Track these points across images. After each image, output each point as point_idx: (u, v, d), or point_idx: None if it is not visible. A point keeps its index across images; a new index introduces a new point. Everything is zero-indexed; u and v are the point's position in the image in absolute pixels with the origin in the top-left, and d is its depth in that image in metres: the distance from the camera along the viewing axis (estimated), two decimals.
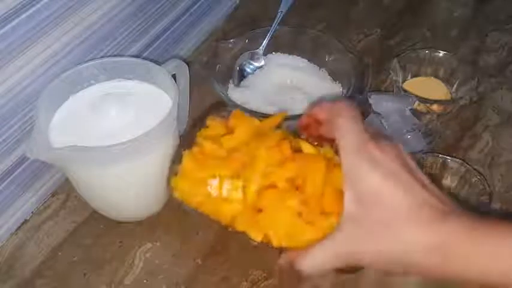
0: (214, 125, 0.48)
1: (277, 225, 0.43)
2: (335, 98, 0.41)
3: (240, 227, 0.44)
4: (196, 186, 0.45)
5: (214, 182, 0.44)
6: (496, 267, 0.35)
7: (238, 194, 0.44)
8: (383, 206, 0.36)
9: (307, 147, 0.46)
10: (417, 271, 0.37)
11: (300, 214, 0.43)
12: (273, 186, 0.44)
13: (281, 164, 0.44)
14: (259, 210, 0.44)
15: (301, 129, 0.45)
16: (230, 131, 0.47)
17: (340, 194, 0.42)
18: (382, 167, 0.37)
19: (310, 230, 0.43)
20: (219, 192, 0.44)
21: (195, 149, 0.47)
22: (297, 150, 0.46)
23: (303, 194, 0.43)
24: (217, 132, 0.48)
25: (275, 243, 0.43)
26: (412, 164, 0.39)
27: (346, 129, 0.39)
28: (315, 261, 0.40)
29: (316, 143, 0.46)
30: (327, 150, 0.47)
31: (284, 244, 0.43)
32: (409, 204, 0.36)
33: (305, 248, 0.41)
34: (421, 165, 0.56)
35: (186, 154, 0.46)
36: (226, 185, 0.44)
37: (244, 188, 0.44)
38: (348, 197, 0.38)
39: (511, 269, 0.34)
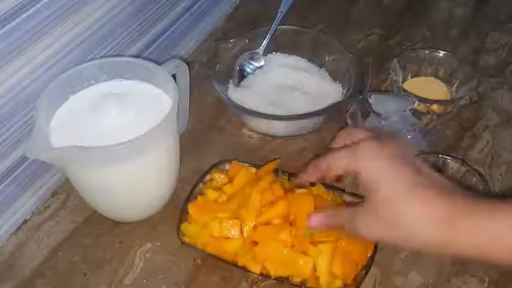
0: (217, 177, 0.58)
1: (273, 256, 0.50)
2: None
3: (240, 261, 0.51)
4: (201, 230, 0.53)
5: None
6: (495, 244, 0.37)
7: (237, 232, 0.52)
8: (384, 188, 0.40)
9: (295, 190, 0.54)
10: (421, 245, 0.39)
11: (292, 246, 0.50)
12: (268, 223, 0.52)
13: (273, 203, 0.52)
14: (255, 243, 0.51)
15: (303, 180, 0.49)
16: (231, 180, 0.57)
17: None
18: (382, 158, 0.41)
19: (303, 259, 0.50)
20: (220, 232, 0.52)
21: (199, 198, 0.56)
22: (289, 190, 0.54)
23: (295, 228, 0.51)
24: (222, 183, 0.57)
25: (272, 273, 0.51)
26: (411, 155, 0.43)
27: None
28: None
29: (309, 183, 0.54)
30: (319, 188, 0.55)
31: (280, 273, 0.51)
32: (403, 186, 0.39)
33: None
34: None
35: (192, 204, 0.55)
36: (226, 225, 0.52)
37: (241, 226, 0.52)
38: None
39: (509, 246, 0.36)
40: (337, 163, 0.44)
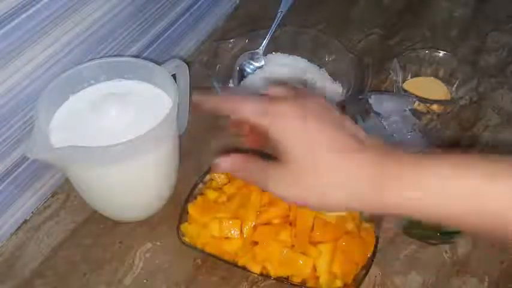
0: (217, 177, 0.58)
1: (273, 256, 0.50)
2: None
3: (240, 261, 0.51)
4: (201, 230, 0.53)
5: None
6: (405, 199, 0.35)
7: (237, 232, 0.52)
8: (304, 156, 0.37)
9: None
10: (348, 206, 0.38)
11: (292, 246, 0.50)
12: (268, 223, 0.52)
13: (273, 203, 0.53)
14: (256, 243, 0.51)
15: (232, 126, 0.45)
16: (231, 180, 0.57)
17: (328, 225, 0.51)
18: (298, 118, 0.38)
19: (303, 259, 0.50)
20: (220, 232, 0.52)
21: (199, 198, 0.55)
22: None
23: (295, 228, 0.51)
24: (222, 183, 0.57)
25: (272, 273, 0.51)
26: (332, 111, 0.39)
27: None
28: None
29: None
30: None
31: (281, 273, 0.50)
32: (325, 151, 0.37)
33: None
34: None
35: (191, 204, 0.55)
36: (226, 225, 0.52)
37: (241, 226, 0.52)
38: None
39: (416, 198, 0.35)
40: (246, 107, 0.39)
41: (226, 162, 0.41)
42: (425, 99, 0.67)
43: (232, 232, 0.52)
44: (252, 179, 0.41)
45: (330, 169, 0.36)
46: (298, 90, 0.42)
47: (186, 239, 0.53)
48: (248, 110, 0.39)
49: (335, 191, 0.37)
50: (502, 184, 0.33)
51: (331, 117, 0.39)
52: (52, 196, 0.61)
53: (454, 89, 0.72)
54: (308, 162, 0.37)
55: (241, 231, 0.52)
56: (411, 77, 0.74)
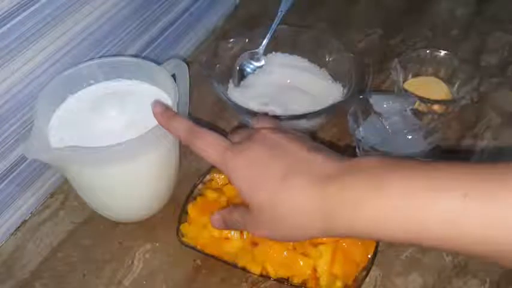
0: (217, 177, 0.57)
1: (273, 257, 0.50)
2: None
3: (240, 262, 0.51)
4: (201, 230, 0.53)
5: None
6: (378, 227, 0.36)
7: (237, 233, 0.51)
8: (252, 197, 0.41)
9: None
10: (311, 237, 0.42)
11: (294, 247, 0.50)
12: None
13: None
14: (256, 244, 0.51)
15: None
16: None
17: None
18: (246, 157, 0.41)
19: (303, 259, 0.50)
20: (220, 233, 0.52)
21: (199, 199, 0.55)
22: None
23: None
24: (222, 183, 0.57)
25: (272, 274, 0.51)
26: (282, 137, 0.42)
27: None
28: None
29: None
30: None
31: (281, 274, 0.50)
32: (274, 175, 0.39)
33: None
34: None
35: (191, 204, 0.55)
36: None
37: None
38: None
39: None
40: (207, 148, 0.44)
41: (216, 224, 0.48)
42: (426, 99, 0.67)
43: (232, 233, 0.52)
44: (237, 229, 0.48)
45: (271, 207, 0.39)
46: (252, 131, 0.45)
47: (186, 240, 0.53)
48: (210, 156, 0.44)
49: (287, 226, 0.40)
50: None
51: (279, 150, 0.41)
52: (51, 196, 0.61)
53: (455, 89, 0.72)
54: (253, 202, 0.40)
55: (241, 231, 0.52)
56: (412, 77, 0.74)
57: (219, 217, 0.48)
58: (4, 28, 0.48)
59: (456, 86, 0.72)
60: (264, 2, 0.84)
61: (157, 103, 0.48)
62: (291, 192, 0.38)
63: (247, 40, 0.72)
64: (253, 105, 0.66)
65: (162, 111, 0.47)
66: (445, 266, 0.54)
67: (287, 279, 0.50)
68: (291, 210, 0.38)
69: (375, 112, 0.64)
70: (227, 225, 0.48)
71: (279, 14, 0.72)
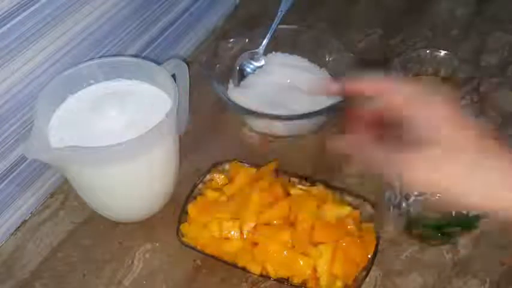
0: (217, 177, 0.57)
1: (273, 257, 0.50)
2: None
3: (240, 262, 0.51)
4: (201, 230, 0.53)
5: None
6: None
7: (237, 232, 0.51)
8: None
9: (296, 190, 0.55)
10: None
11: (293, 247, 0.50)
12: (268, 224, 0.52)
13: (273, 204, 0.53)
14: (256, 244, 0.51)
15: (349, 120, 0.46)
16: (231, 180, 0.57)
17: (329, 225, 0.52)
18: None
19: (303, 259, 0.50)
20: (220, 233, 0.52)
21: (199, 198, 0.55)
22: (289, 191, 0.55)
23: (295, 229, 0.51)
24: (222, 183, 0.57)
25: (272, 274, 0.50)
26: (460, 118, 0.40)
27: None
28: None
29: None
30: (320, 189, 0.55)
31: (281, 274, 0.50)
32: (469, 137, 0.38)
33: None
34: None
35: (191, 204, 0.55)
36: (226, 226, 0.52)
37: (241, 226, 0.52)
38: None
39: None
40: (391, 86, 0.42)
41: (341, 141, 0.43)
42: None
43: (232, 233, 0.52)
44: (374, 161, 0.41)
45: (473, 168, 0.38)
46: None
47: (186, 240, 0.53)
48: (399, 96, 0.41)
49: (473, 187, 0.38)
50: None
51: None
52: (51, 196, 0.61)
53: (455, 89, 0.72)
54: (456, 151, 0.38)
55: (241, 231, 0.52)
56: (412, 77, 0.74)
57: (346, 140, 0.44)
58: (4, 28, 0.48)
59: (456, 86, 0.72)
60: (264, 2, 0.84)
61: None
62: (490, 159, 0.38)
63: (247, 40, 0.72)
64: (253, 105, 0.66)
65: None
66: (445, 266, 0.54)
67: (287, 279, 0.50)
68: (481, 173, 0.37)
69: None
70: (353, 151, 0.44)
71: (279, 14, 0.72)
